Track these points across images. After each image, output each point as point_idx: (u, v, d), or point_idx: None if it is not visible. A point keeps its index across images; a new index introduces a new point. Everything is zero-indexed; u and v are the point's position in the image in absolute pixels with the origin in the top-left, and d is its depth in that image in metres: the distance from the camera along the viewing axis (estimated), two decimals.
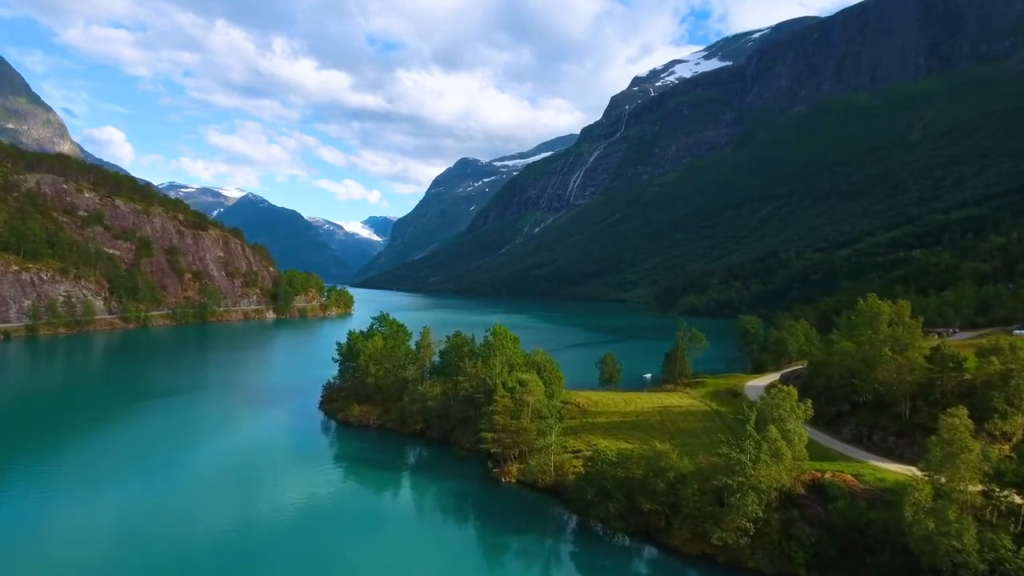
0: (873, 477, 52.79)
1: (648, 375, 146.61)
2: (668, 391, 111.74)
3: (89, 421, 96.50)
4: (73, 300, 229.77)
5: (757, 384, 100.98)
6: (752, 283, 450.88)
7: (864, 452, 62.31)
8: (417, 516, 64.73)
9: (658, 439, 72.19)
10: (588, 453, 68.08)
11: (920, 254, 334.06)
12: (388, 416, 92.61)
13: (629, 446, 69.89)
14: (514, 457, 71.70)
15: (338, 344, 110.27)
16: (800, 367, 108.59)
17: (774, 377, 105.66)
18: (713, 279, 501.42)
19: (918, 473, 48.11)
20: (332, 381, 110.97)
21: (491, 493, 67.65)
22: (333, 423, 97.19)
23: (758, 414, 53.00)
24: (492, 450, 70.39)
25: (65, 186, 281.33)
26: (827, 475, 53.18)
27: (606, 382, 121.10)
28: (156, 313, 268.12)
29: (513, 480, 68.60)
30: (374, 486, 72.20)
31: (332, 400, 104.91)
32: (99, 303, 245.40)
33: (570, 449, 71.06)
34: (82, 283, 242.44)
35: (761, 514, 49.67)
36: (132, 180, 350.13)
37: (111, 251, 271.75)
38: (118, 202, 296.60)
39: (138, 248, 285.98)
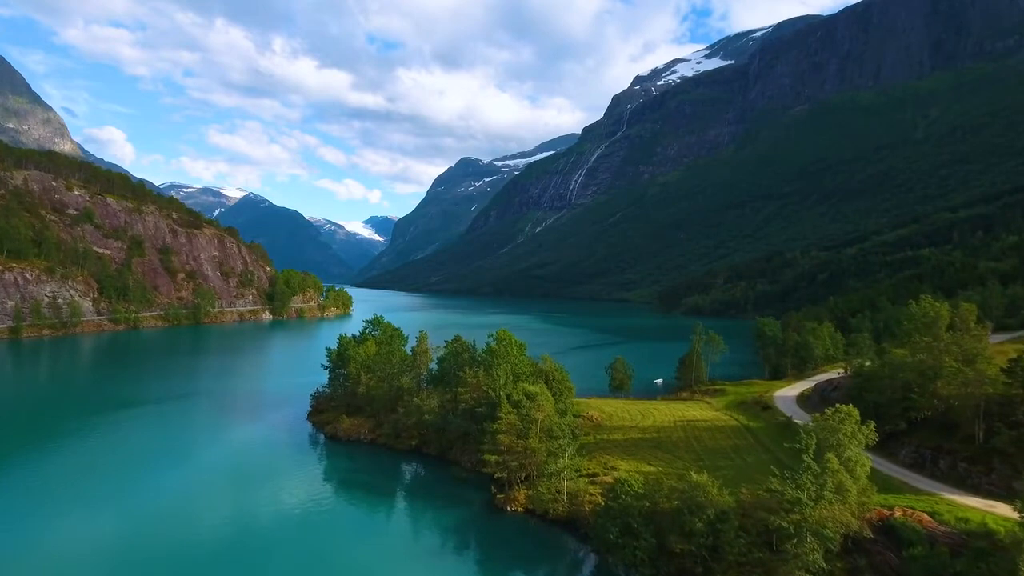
0: (953, 516, 44.26)
1: (659, 380, 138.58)
2: (685, 400, 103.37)
3: (49, 436, 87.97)
4: (59, 301, 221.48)
5: (787, 394, 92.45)
6: (757, 282, 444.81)
7: (930, 480, 53.78)
8: (411, 549, 56.30)
9: (683, 460, 64.01)
10: (606, 478, 59.74)
11: (930, 253, 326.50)
12: (380, 430, 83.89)
13: (652, 468, 61.60)
14: (521, 480, 63.15)
15: (328, 350, 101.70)
16: (835, 375, 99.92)
17: (804, 386, 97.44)
18: (717, 279, 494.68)
19: (1011, 513, 39.92)
20: (321, 390, 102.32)
21: (495, 523, 59.09)
22: (321, 437, 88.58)
23: (817, 441, 44.39)
24: (497, 475, 61.74)
25: (54, 183, 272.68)
26: (897, 513, 44.77)
27: (616, 389, 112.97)
28: (147, 314, 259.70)
29: (520, 508, 59.82)
30: (363, 513, 63.79)
31: (321, 411, 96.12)
32: (87, 304, 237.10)
33: (584, 472, 62.46)
34: (69, 283, 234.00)
35: (824, 564, 41.17)
36: (125, 178, 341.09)
37: (101, 250, 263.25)
38: (109, 200, 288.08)
39: (129, 247, 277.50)
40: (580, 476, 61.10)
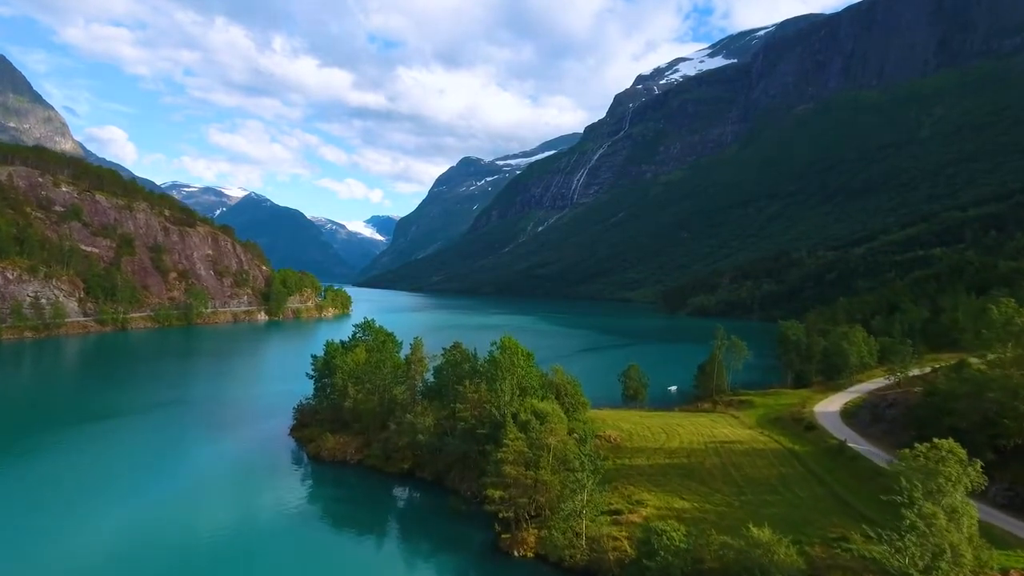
0: None
1: (673, 388, 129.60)
2: (707, 412, 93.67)
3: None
4: (42, 301, 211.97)
5: (827, 409, 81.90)
6: (764, 283, 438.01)
7: None
8: None
9: (721, 492, 54.46)
10: (631, 516, 50.19)
11: (941, 252, 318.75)
12: (369, 450, 74.04)
13: (685, 504, 52.10)
14: (530, 516, 53.27)
15: (313, 357, 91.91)
16: (875, 385, 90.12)
17: (843, 399, 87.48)
18: (723, 279, 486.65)
19: None
20: (305, 401, 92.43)
21: (500, 570, 49.40)
22: (304, 455, 78.87)
23: (915, 488, 34.59)
24: (502, 514, 51.75)
25: (41, 179, 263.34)
26: None
27: (630, 399, 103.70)
28: (136, 315, 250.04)
29: (530, 553, 49.76)
30: (345, 553, 53.98)
31: (304, 425, 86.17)
32: (72, 304, 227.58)
33: (605, 507, 52.29)
34: (53, 283, 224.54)
35: None
36: (115, 174, 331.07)
37: (89, 249, 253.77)
38: (99, 197, 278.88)
39: (119, 246, 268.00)
40: (601, 513, 51.04)
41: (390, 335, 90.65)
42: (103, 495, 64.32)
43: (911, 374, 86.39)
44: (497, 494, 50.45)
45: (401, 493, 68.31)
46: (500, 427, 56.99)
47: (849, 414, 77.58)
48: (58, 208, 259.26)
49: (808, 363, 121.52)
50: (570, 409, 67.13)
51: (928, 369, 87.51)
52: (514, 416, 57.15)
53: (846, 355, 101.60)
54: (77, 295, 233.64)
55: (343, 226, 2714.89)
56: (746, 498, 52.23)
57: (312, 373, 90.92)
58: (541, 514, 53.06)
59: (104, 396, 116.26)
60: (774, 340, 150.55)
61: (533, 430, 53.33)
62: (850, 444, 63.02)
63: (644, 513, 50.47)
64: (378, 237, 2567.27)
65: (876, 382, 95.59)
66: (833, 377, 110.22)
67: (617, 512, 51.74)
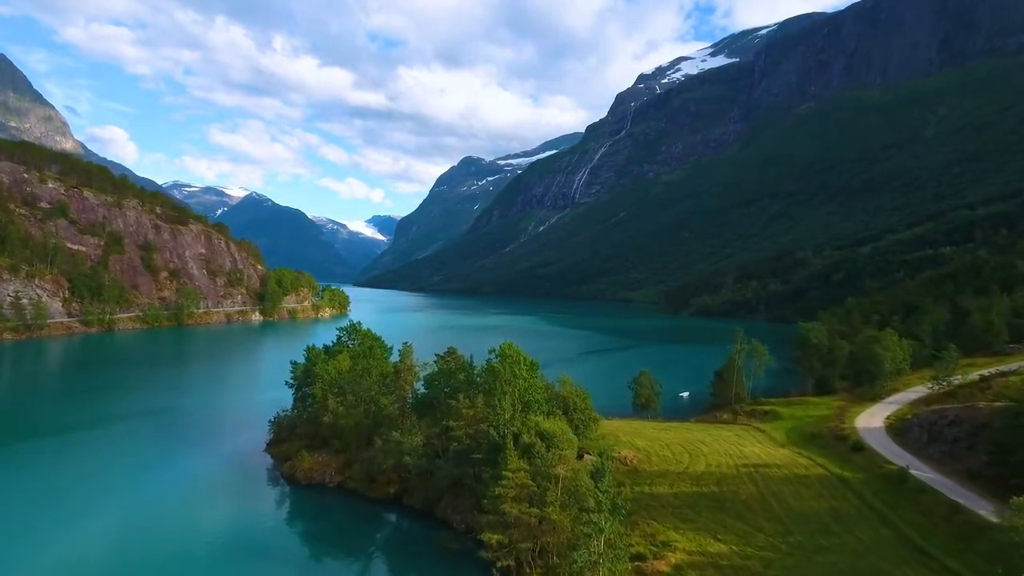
0: None
1: (685, 394, 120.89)
2: (728, 424, 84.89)
3: None
4: (23, 301, 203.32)
5: (869, 424, 72.60)
6: (769, 283, 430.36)
7: None
8: None
9: (764, 532, 45.67)
10: (658, 564, 41.48)
11: (952, 252, 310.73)
12: (350, 471, 65.07)
13: (723, 548, 43.32)
14: (535, 557, 44.57)
15: (292, 364, 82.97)
16: (924, 394, 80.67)
17: (884, 411, 78.48)
18: (726, 278, 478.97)
19: None
20: (283, 413, 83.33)
21: None
22: (280, 475, 70.10)
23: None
24: (500, 563, 42.93)
25: (26, 175, 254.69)
26: None
27: (642, 408, 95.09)
28: (124, 316, 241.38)
29: None
30: None
31: (282, 440, 77.12)
32: (56, 304, 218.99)
33: (626, 553, 43.41)
34: (36, 282, 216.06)
35: None
36: (104, 170, 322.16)
37: (76, 247, 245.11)
38: (87, 193, 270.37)
39: (107, 244, 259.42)
40: (619, 559, 42.15)
41: (378, 339, 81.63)
42: (40, 519, 55.56)
43: (955, 382, 77.73)
44: (495, 539, 41.60)
45: (385, 524, 59.16)
46: (499, 450, 48.38)
47: (897, 431, 67.79)
48: (44, 205, 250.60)
49: (831, 368, 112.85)
50: (580, 426, 58.56)
51: (976, 376, 78.79)
52: (515, 437, 48.50)
53: (880, 361, 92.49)
54: (61, 295, 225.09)
55: (344, 226, 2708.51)
56: (794, 539, 43.62)
57: (291, 381, 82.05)
58: (546, 554, 44.25)
59: (73, 404, 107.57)
60: (783, 341, 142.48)
61: (538, 456, 44.62)
62: (914, 472, 53.49)
63: (673, 559, 41.88)
64: (379, 237, 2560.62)
65: (916, 391, 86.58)
66: (860, 383, 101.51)
67: (640, 557, 42.82)
